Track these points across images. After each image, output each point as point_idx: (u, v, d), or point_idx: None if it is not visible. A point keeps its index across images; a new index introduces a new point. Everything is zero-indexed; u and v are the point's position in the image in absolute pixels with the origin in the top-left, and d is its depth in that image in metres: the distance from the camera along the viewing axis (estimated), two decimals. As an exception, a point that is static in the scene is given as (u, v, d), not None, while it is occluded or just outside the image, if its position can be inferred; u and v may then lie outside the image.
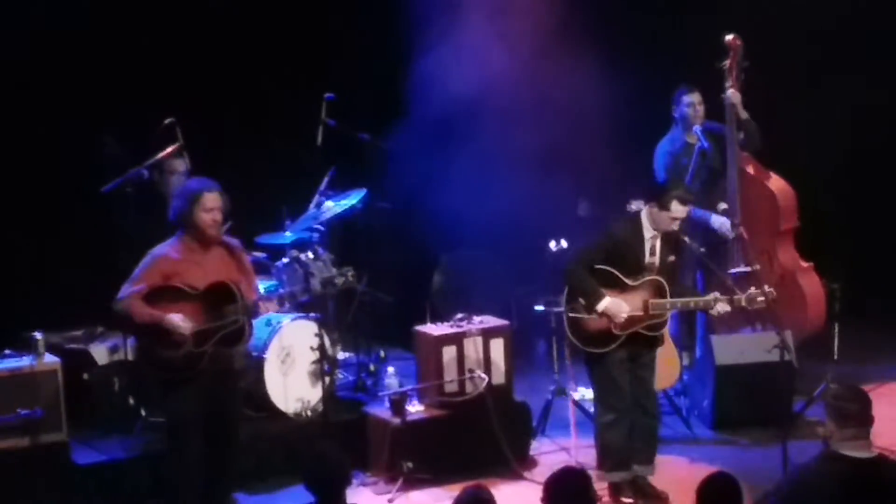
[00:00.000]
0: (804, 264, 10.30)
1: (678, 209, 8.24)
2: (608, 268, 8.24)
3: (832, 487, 5.74)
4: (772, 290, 8.39)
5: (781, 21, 10.99)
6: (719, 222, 9.93)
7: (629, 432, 8.41)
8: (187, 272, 7.74)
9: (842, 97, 11.11)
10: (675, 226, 8.31)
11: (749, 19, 10.33)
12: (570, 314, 8.33)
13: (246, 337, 7.90)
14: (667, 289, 8.27)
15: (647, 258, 8.32)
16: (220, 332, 7.75)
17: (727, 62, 9.95)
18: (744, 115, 9.95)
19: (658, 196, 8.29)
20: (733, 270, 9.74)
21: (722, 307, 8.31)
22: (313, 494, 6.15)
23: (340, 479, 6.24)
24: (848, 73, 11.30)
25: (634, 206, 8.57)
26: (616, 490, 8.45)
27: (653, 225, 8.30)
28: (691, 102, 9.99)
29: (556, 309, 8.62)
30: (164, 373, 7.77)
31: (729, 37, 9.96)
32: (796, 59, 11.19)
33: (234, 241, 8.03)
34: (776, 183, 10.22)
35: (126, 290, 7.70)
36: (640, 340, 8.33)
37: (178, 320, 7.62)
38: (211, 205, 7.76)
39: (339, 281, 8.32)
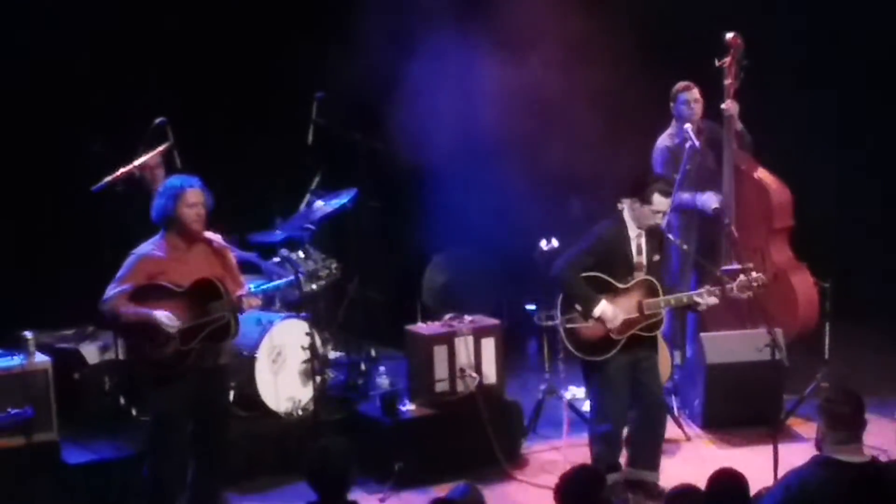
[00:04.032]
0: (798, 264, 10.30)
1: (660, 202, 8.18)
2: (598, 273, 8.19)
3: (832, 494, 5.74)
4: (760, 274, 8.40)
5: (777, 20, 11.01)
6: (702, 200, 9.96)
7: (632, 437, 8.37)
8: (172, 270, 7.73)
9: (833, 97, 11.14)
10: (658, 219, 8.26)
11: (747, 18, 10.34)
12: (568, 325, 8.28)
13: (232, 333, 7.89)
14: (658, 287, 8.26)
15: (635, 258, 8.27)
16: (206, 329, 7.75)
17: (727, 60, 9.95)
18: (739, 126, 10.01)
19: (639, 190, 8.21)
20: (725, 268, 9.75)
21: (712, 299, 8.30)
22: (315, 492, 6.06)
23: (343, 478, 6.11)
24: (842, 73, 11.32)
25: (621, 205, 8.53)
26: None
27: (636, 222, 8.24)
28: (687, 100, 10.02)
29: (551, 322, 8.51)
30: (154, 370, 7.76)
31: (729, 35, 9.96)
32: (791, 58, 11.20)
33: (217, 237, 7.98)
34: (771, 181, 10.23)
35: (112, 290, 7.70)
36: (639, 342, 8.28)
37: (165, 318, 7.61)
38: (193, 200, 7.75)
39: (324, 273, 8.28)
